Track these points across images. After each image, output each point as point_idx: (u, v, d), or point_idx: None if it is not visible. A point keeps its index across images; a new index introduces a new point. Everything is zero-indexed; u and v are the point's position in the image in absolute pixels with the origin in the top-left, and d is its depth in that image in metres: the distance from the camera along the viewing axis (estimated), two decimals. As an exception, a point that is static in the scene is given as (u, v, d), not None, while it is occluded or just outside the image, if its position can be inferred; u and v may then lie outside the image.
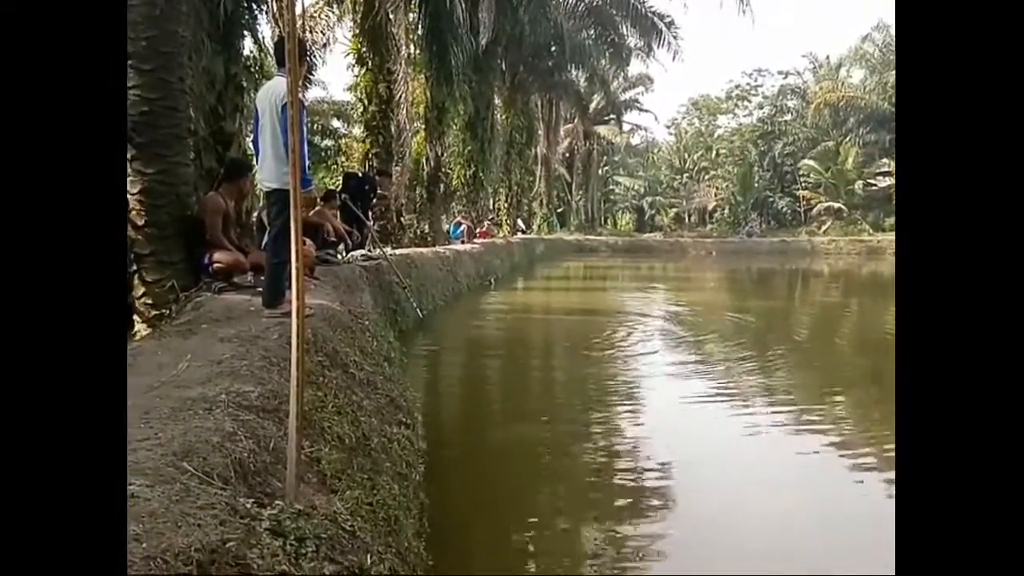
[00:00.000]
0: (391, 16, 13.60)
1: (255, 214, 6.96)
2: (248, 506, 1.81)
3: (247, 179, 5.64)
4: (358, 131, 16.35)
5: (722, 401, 5.74)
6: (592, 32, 24.83)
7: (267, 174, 4.29)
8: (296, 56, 2.23)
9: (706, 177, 49.81)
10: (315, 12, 15.85)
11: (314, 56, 15.33)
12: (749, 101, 51.20)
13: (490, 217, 25.12)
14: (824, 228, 38.22)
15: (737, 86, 51.55)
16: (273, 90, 4.25)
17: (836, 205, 38.32)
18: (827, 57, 43.79)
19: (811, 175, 40.91)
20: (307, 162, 3.96)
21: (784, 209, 44.51)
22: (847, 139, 39.06)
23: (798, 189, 42.08)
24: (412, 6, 14.37)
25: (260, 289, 4.73)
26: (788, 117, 44.71)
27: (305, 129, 3.98)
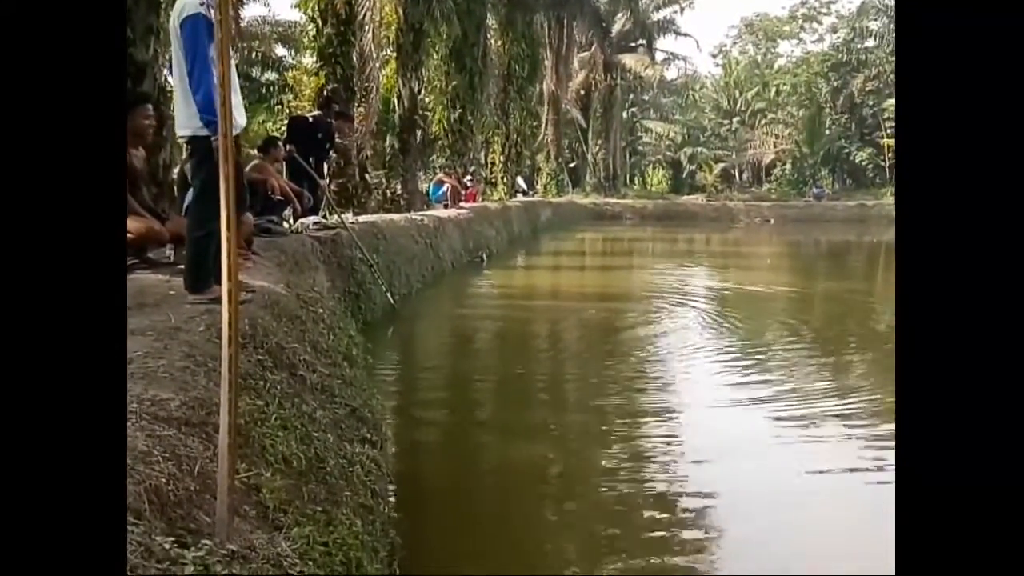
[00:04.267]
0: (352, -91, 13.49)
1: (176, 168, 6.95)
2: (167, 546, 1.81)
3: (139, 114, 5.44)
4: (309, 61, 16.28)
5: (780, 407, 5.78)
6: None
7: (177, 118, 4.29)
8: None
9: (763, 122, 49.76)
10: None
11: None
12: (819, 22, 51.20)
13: (481, 174, 25.09)
14: (915, 188, 38.22)
15: (804, 2, 51.48)
16: (176, 7, 4.24)
17: (931, 158, 38.35)
18: (922, -35, 43.55)
19: (899, 119, 40.82)
20: (214, 96, 3.91)
21: (864, 163, 44.51)
22: (947, 72, 39.09)
23: (882, 137, 42.01)
24: None
25: (182, 267, 4.73)
26: (870, 43, 44.53)
27: (212, 52, 3.95)
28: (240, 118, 4.20)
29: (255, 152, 8.75)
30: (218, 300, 2.64)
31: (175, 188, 6.64)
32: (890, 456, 4.75)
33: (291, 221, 8.63)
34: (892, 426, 5.46)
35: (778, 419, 5.57)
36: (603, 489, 4.44)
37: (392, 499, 3.77)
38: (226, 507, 2.07)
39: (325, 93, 12.95)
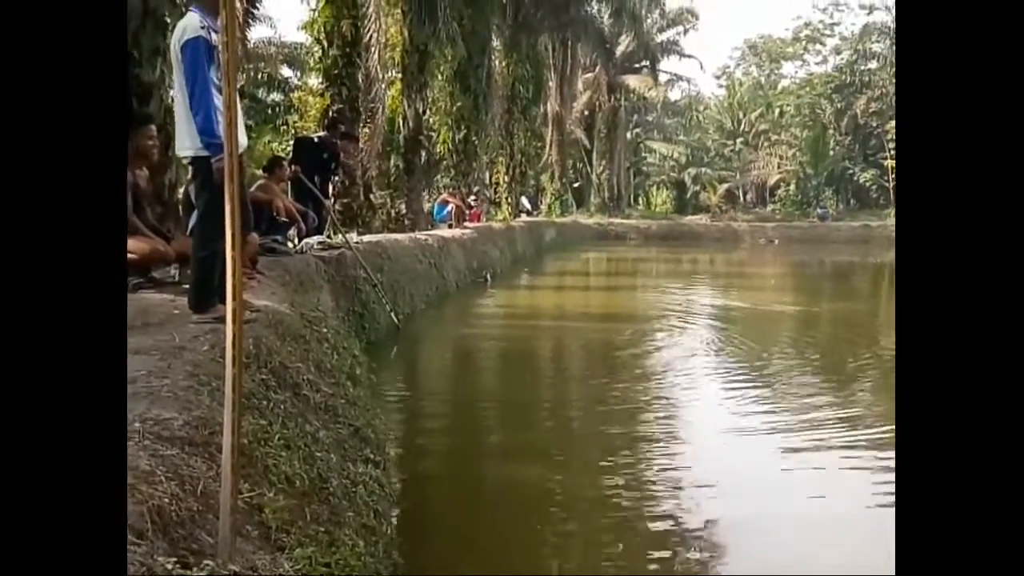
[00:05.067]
0: (358, -68, 13.62)
1: (182, 188, 6.98)
2: (169, 567, 1.81)
3: (143, 135, 5.46)
4: (315, 82, 16.37)
5: (784, 433, 5.75)
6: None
7: (178, 138, 4.33)
8: (233, -15, 2.23)
9: (766, 143, 49.85)
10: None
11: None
12: (823, 44, 51.33)
13: (486, 194, 25.15)
14: (920, 209, 38.17)
15: (807, 24, 51.69)
16: (177, 29, 4.29)
17: (935, 179, 38.26)
18: (924, -13, 43.72)
19: (903, 140, 40.81)
20: (216, 117, 3.97)
21: (868, 184, 44.53)
22: (950, 94, 39.05)
23: (886, 158, 42.04)
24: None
25: (187, 287, 4.74)
26: (873, 64, 44.71)
27: (212, 75, 4.03)
28: (241, 138, 4.23)
29: (260, 172, 8.79)
30: (222, 319, 2.64)
31: (180, 208, 6.66)
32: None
33: (296, 241, 8.65)
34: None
35: (783, 443, 5.56)
36: (605, 514, 4.42)
37: (395, 520, 3.75)
38: (228, 527, 2.07)
39: (331, 114, 13.04)
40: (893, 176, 41.00)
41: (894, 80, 40.92)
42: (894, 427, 5.50)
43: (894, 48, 41.19)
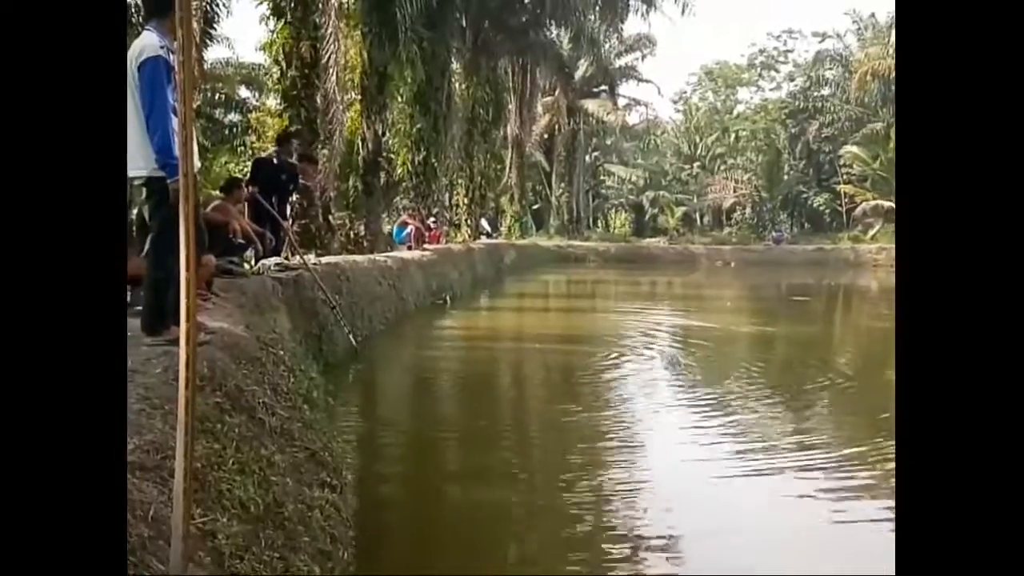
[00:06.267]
0: (318, -46, 13.65)
1: (134, 209, 6.88)
2: (118, 595, 1.77)
3: None
4: (273, 103, 16.35)
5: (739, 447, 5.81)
6: (579, -22, 25.25)
7: (130, 158, 4.26)
8: (188, 5, 2.22)
9: (722, 167, 50.72)
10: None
11: (215, 4, 15.28)
12: (777, 70, 52.56)
13: (445, 216, 25.19)
14: (872, 233, 39.08)
15: (762, 51, 52.86)
16: (133, 48, 4.25)
17: (887, 204, 39.23)
18: (872, 16, 45.07)
19: (855, 165, 41.85)
20: (173, 138, 3.95)
21: (821, 208, 45.50)
22: (900, 120, 40.01)
23: (839, 183, 43.02)
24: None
25: (140, 308, 4.67)
26: (826, 91, 45.82)
27: (169, 95, 4.01)
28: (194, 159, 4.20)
29: (217, 193, 8.70)
30: (176, 342, 2.61)
31: (134, 229, 6.56)
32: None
33: (253, 262, 8.57)
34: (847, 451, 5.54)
35: (738, 456, 5.61)
36: (565, 534, 4.41)
37: (352, 545, 3.71)
38: (180, 554, 2.03)
39: (289, 139, 12.98)
40: (846, 200, 41.90)
41: (846, 106, 41.97)
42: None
43: (847, 75, 42.23)
